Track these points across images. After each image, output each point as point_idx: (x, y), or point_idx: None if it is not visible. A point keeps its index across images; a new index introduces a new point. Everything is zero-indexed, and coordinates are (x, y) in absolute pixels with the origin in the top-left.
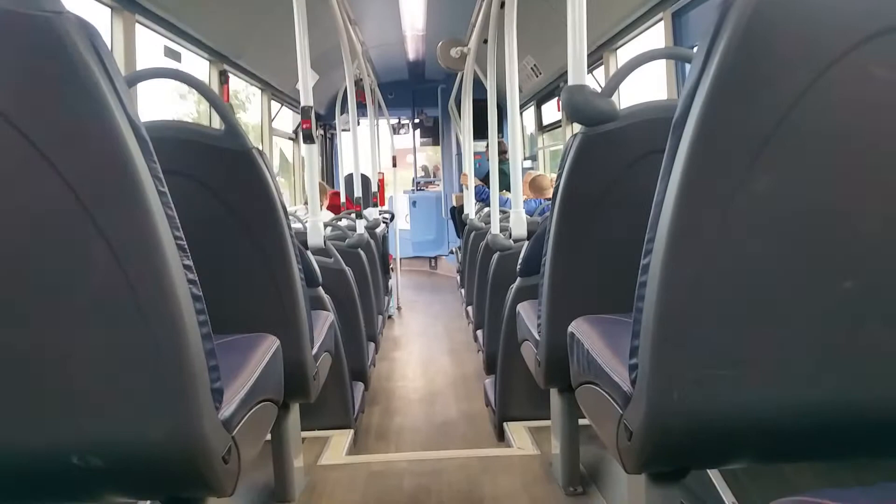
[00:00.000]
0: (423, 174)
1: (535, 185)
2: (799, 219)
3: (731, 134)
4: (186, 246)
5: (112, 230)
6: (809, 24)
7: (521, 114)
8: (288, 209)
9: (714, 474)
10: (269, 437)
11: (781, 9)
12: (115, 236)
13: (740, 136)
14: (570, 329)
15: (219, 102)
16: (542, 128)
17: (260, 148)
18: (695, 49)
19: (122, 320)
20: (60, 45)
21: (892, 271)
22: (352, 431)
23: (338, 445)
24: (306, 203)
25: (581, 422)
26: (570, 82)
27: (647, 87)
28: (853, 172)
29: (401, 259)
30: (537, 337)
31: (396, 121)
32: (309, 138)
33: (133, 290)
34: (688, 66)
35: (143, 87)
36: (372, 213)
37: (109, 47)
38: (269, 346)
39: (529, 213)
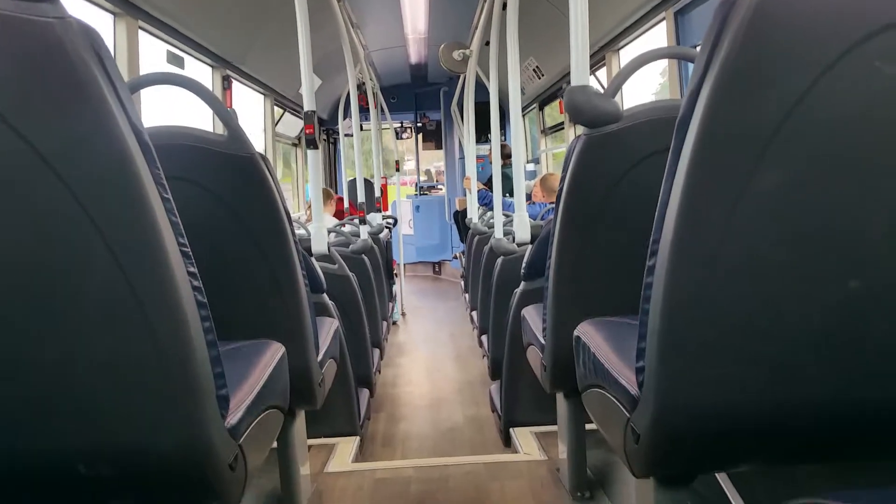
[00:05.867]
0: (426, 178)
1: (546, 186)
2: (804, 217)
3: (735, 133)
4: (191, 252)
5: (116, 237)
6: (812, 21)
7: (523, 116)
8: (293, 215)
9: (722, 477)
10: (275, 444)
11: (784, 6)
12: (119, 243)
13: (744, 135)
14: (575, 333)
15: (221, 108)
16: (544, 130)
17: (263, 153)
18: (697, 48)
19: (127, 328)
20: (63, 51)
21: None
22: (357, 438)
23: (344, 452)
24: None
25: (588, 426)
26: (572, 83)
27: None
28: (859, 170)
29: (405, 264)
30: (542, 341)
31: (399, 125)
32: (312, 143)
33: (137, 298)
34: (691, 66)
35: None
36: (375, 218)
37: (112, 52)
38: (275, 352)
39: (533, 216)
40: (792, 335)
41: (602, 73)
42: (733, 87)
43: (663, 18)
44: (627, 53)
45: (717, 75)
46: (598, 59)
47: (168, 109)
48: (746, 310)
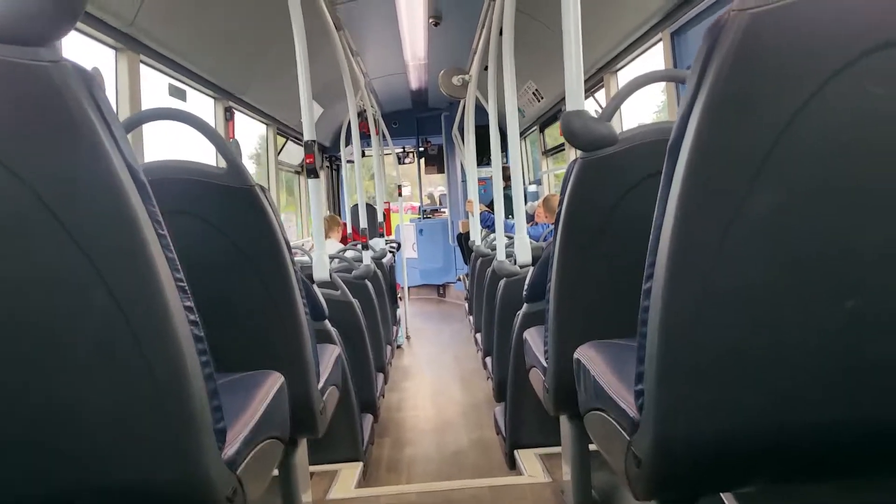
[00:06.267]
0: (428, 202)
1: (549, 206)
2: (799, 238)
3: (727, 155)
4: (187, 287)
5: (112, 276)
6: (802, 43)
7: (524, 138)
8: (296, 242)
9: (727, 497)
10: (276, 472)
11: (773, 29)
12: (115, 281)
13: (736, 156)
14: (576, 355)
15: (220, 141)
16: (545, 151)
17: (263, 185)
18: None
19: (123, 364)
20: (58, 94)
21: (894, 287)
22: (361, 464)
23: (347, 479)
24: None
25: (592, 448)
26: (567, 108)
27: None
28: (851, 190)
29: (409, 288)
30: (544, 363)
31: (401, 150)
32: (313, 173)
33: (134, 335)
34: None
35: None
36: (378, 243)
37: (114, 87)
38: (274, 383)
39: (536, 237)
40: (789, 357)
41: (601, 95)
42: (724, 110)
43: (660, 39)
44: (625, 75)
45: (708, 98)
46: (596, 80)
47: (177, 138)
48: (742, 333)
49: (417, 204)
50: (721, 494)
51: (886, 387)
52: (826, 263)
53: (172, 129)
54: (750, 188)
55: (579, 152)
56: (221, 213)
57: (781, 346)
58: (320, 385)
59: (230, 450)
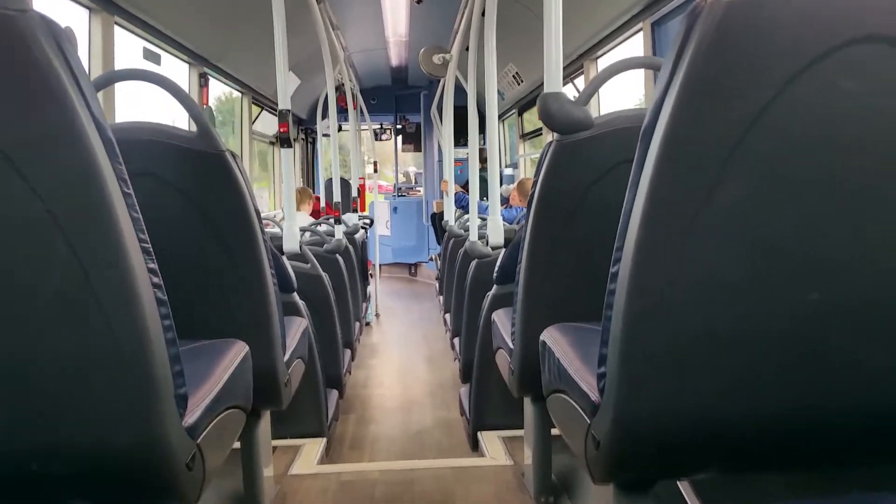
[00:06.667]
0: (404, 180)
1: (523, 190)
2: (765, 228)
3: (698, 143)
4: (151, 249)
5: (75, 233)
6: (777, 34)
7: (503, 121)
8: (267, 214)
9: (683, 484)
10: (238, 444)
11: (750, 18)
12: (78, 239)
13: (707, 145)
14: (541, 337)
15: (190, 104)
16: (523, 135)
17: (233, 150)
18: None
19: (85, 325)
20: (24, 44)
21: (857, 282)
22: (324, 440)
23: (310, 454)
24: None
25: (554, 431)
26: (545, 90)
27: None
28: (820, 182)
29: (380, 266)
30: (511, 345)
31: (379, 126)
32: (286, 142)
33: (96, 294)
34: None
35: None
36: (351, 218)
37: (87, 48)
38: (238, 352)
39: (510, 220)
40: (751, 345)
41: (580, 82)
42: (697, 97)
43: (640, 29)
44: (605, 62)
45: (681, 85)
46: (576, 67)
47: (154, 104)
48: (705, 319)
49: (385, 183)
50: (678, 482)
51: (847, 377)
52: (792, 253)
53: (146, 96)
54: (720, 176)
55: (555, 135)
56: (190, 178)
57: (744, 334)
58: (286, 357)
59: (191, 417)
